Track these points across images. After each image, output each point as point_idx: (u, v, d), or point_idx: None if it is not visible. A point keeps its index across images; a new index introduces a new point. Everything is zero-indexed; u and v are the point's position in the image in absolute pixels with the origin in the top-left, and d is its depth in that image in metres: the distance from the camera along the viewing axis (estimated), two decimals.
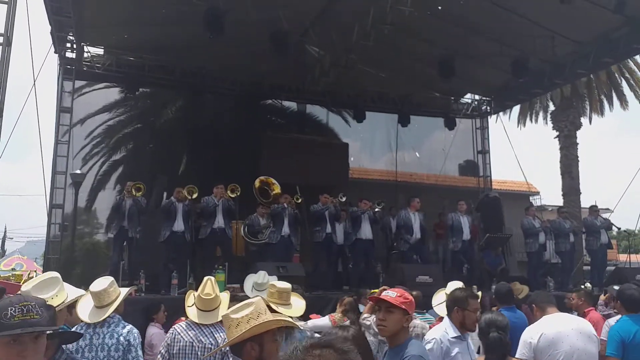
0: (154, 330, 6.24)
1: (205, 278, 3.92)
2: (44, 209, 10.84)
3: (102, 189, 13.66)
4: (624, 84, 17.70)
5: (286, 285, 3.98)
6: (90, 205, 13.53)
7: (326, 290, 8.76)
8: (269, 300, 3.83)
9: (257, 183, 9.08)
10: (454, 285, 4.20)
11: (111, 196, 12.58)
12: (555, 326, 3.61)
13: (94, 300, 3.53)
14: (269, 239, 9.48)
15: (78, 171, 11.96)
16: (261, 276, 5.57)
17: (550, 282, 10.12)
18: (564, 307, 5.93)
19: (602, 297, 7.59)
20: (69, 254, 11.59)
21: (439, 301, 4.15)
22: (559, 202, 17.03)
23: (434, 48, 11.36)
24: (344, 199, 10.14)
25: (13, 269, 19.18)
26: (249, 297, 5.36)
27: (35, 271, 17.47)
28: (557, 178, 17.84)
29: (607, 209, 14.95)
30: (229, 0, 9.30)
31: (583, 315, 5.43)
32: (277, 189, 9.32)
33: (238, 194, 9.17)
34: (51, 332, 2.53)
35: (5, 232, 37.95)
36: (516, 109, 18.36)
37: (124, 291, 3.71)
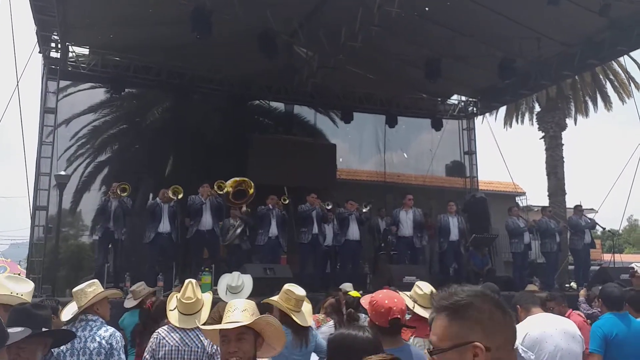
0: None
1: (187, 281, 3.86)
2: (28, 211, 10.69)
3: (87, 191, 13.52)
4: (608, 85, 17.90)
5: (302, 292, 3.95)
6: (75, 207, 13.39)
7: (314, 292, 8.71)
8: (285, 305, 3.84)
9: (229, 187, 9.00)
10: (423, 285, 4.08)
11: (96, 198, 12.46)
12: (540, 326, 3.62)
13: (75, 301, 3.49)
14: (240, 239, 9.44)
15: (62, 172, 11.80)
16: (235, 278, 5.45)
17: (536, 282, 10.19)
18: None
19: (582, 292, 7.65)
20: (53, 256, 11.45)
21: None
22: (545, 202, 17.14)
23: (421, 49, 11.40)
24: (330, 207, 10.08)
25: None
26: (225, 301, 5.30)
27: (18, 274, 17.28)
28: (543, 178, 17.96)
29: (592, 209, 15.07)
30: (216, 1, 9.27)
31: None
32: (251, 186, 9.30)
33: (225, 189, 9.06)
34: (45, 330, 2.51)
35: None
36: (502, 110, 18.52)
37: (105, 293, 3.66)
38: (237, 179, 9.10)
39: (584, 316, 5.89)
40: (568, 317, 5.43)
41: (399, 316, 2.54)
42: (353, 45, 10.29)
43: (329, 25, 10.57)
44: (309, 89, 12.83)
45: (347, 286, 6.81)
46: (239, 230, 9.39)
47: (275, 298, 4.01)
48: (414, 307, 3.54)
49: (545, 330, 3.60)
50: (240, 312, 2.43)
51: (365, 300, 2.73)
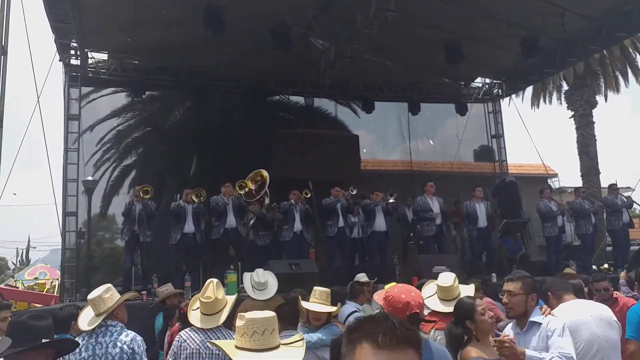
0: None
1: (208, 281, 3.83)
2: (56, 217, 10.83)
3: (116, 195, 13.68)
4: (639, 58, 17.27)
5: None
6: (104, 211, 13.57)
7: (341, 285, 8.62)
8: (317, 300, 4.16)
9: (250, 184, 9.03)
10: (446, 276, 3.93)
11: (125, 201, 12.61)
12: (573, 314, 3.44)
13: (92, 308, 3.46)
14: (256, 235, 9.48)
15: (90, 178, 11.96)
16: (259, 275, 5.46)
17: (573, 266, 9.86)
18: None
19: (622, 274, 7.37)
20: (86, 260, 11.62)
21: (428, 293, 3.85)
22: (578, 183, 16.67)
23: (440, 32, 11.11)
24: (354, 192, 10.00)
25: (36, 278, 19.39)
26: (257, 299, 5.26)
27: (57, 279, 17.65)
28: (575, 159, 17.51)
29: (628, 187, 14.57)
30: None
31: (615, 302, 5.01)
32: (263, 173, 9.33)
33: (247, 190, 9.08)
34: (48, 340, 2.47)
35: (29, 241, 38.56)
36: (529, 90, 18.02)
37: (124, 297, 3.64)
38: (252, 173, 9.12)
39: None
40: (618, 299, 5.10)
41: (417, 311, 2.42)
42: (369, 32, 10.05)
43: (344, 14, 10.38)
44: (328, 81, 12.63)
45: (361, 276, 6.68)
46: (250, 223, 9.39)
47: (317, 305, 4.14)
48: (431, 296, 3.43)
49: (579, 317, 3.42)
50: (270, 334, 2.29)
51: (379, 296, 2.60)
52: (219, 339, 3.60)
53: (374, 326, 1.20)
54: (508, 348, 2.78)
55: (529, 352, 2.86)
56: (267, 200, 9.67)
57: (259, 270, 5.56)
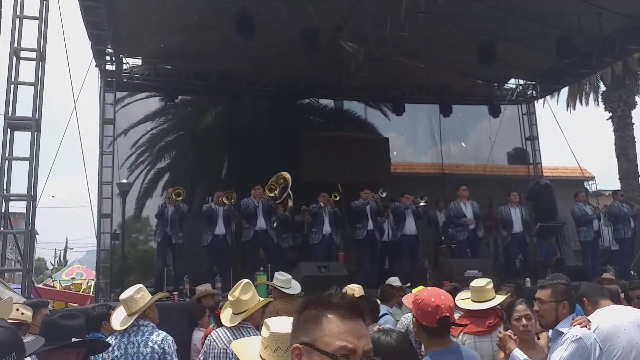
0: (199, 334, 6.24)
1: (240, 281, 3.87)
2: (91, 219, 11.08)
3: (150, 197, 13.87)
4: None
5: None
6: (138, 214, 13.79)
7: (371, 288, 8.56)
8: None
9: (277, 188, 9.07)
10: (480, 280, 3.87)
11: (158, 203, 12.81)
12: (610, 320, 3.33)
13: (124, 308, 3.52)
14: (279, 238, 9.51)
15: (124, 180, 12.20)
16: (283, 274, 5.56)
17: (611, 271, 9.57)
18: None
19: None
20: (120, 262, 11.85)
21: (463, 297, 3.80)
22: (616, 186, 16.22)
23: (472, 33, 10.95)
24: (384, 195, 9.94)
25: (73, 278, 19.89)
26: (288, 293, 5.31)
27: (93, 279, 18.07)
28: (612, 161, 17.08)
29: None
30: (258, 2, 9.28)
31: None
32: (285, 176, 9.34)
33: (276, 192, 9.13)
34: (80, 339, 2.52)
35: (66, 243, 39.61)
36: (564, 91, 17.65)
37: (156, 297, 3.69)
38: (274, 176, 9.16)
39: None
40: None
41: (447, 314, 2.37)
42: (400, 34, 9.98)
43: (373, 16, 10.34)
44: (358, 84, 12.59)
45: (393, 280, 6.61)
46: (274, 225, 9.43)
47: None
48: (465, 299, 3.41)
49: (616, 323, 3.31)
50: (284, 352, 2.19)
51: (408, 300, 2.56)
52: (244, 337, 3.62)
53: (335, 300, 1.31)
54: (501, 340, 2.96)
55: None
56: (290, 203, 9.68)
57: (280, 272, 5.62)
